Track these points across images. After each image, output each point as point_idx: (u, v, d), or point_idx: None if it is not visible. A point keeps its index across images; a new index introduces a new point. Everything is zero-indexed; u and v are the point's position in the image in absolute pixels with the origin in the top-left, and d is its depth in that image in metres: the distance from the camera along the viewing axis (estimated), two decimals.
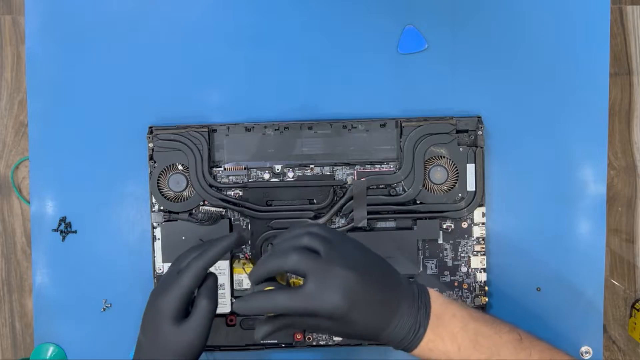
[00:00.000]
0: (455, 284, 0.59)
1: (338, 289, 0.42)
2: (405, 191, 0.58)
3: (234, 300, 0.58)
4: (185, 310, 0.48)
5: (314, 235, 0.45)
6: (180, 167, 0.58)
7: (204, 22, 0.60)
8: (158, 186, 0.58)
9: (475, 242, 0.59)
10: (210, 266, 0.48)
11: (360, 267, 0.44)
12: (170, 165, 0.58)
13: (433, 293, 0.46)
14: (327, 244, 0.44)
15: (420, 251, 0.59)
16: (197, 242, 0.58)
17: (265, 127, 0.58)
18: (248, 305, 0.44)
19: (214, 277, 0.50)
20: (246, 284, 0.58)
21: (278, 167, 0.59)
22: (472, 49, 0.59)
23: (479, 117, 0.58)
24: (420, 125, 0.58)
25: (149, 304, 0.49)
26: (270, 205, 0.58)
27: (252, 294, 0.44)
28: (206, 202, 0.58)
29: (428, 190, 0.58)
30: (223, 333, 0.59)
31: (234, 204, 0.58)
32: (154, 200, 0.58)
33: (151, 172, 0.58)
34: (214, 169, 0.59)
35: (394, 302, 0.44)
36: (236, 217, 0.59)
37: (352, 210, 0.58)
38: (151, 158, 0.58)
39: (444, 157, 0.58)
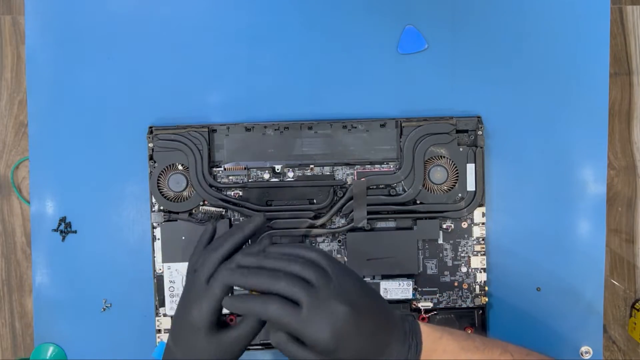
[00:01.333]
0: (455, 284, 0.59)
1: (328, 325, 0.41)
2: (405, 191, 0.58)
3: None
4: (219, 320, 0.47)
5: (309, 264, 0.44)
6: (180, 167, 0.58)
7: (204, 22, 0.60)
8: (158, 186, 0.58)
9: (475, 242, 0.59)
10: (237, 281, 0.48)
11: (355, 304, 0.43)
12: (170, 165, 0.58)
13: (425, 329, 0.45)
14: (323, 275, 0.43)
15: (420, 251, 0.59)
16: (196, 242, 0.58)
17: (265, 127, 0.58)
18: (239, 305, 0.43)
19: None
20: None
21: (278, 167, 0.59)
22: (472, 49, 0.59)
23: (479, 117, 0.58)
24: (420, 125, 0.58)
25: (180, 314, 0.47)
26: (270, 205, 0.58)
27: (245, 295, 0.44)
28: (206, 202, 0.58)
29: (428, 190, 0.58)
30: None
31: (234, 204, 0.58)
32: (154, 200, 0.58)
33: (151, 172, 0.58)
34: (214, 169, 0.59)
35: (384, 342, 0.43)
36: (236, 217, 0.59)
37: (352, 210, 0.58)
38: (151, 158, 0.58)
39: (444, 157, 0.58)
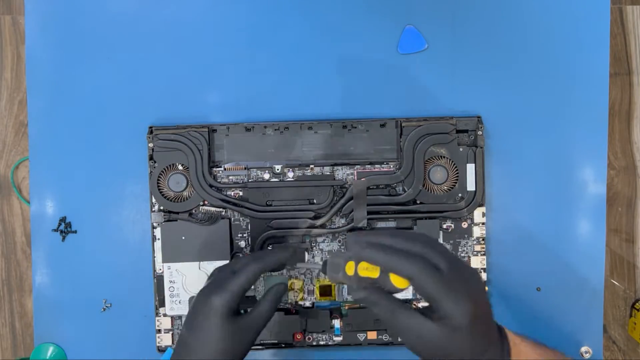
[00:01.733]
0: None
1: (470, 296, 0.40)
2: (405, 191, 0.58)
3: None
4: (237, 310, 0.48)
5: (433, 247, 0.42)
6: (180, 167, 0.58)
7: (204, 22, 0.60)
8: (158, 186, 0.58)
9: (475, 242, 0.59)
10: (265, 272, 0.49)
11: (482, 292, 0.42)
12: (170, 165, 0.58)
13: (509, 334, 0.44)
14: (454, 258, 0.42)
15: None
16: (198, 242, 0.58)
17: (265, 127, 0.58)
18: (380, 254, 0.41)
19: (284, 286, 0.50)
20: None
21: (278, 167, 0.59)
22: (472, 49, 0.59)
23: (479, 117, 0.58)
24: (420, 125, 0.58)
25: (199, 301, 0.48)
26: (270, 205, 0.58)
27: (390, 248, 0.41)
28: (206, 202, 0.58)
29: (428, 190, 0.58)
30: None
31: (234, 204, 0.58)
32: (154, 200, 0.58)
33: (151, 172, 0.58)
34: (214, 169, 0.59)
35: (490, 336, 0.42)
36: (236, 217, 0.59)
37: (352, 210, 0.58)
38: (151, 158, 0.58)
39: (444, 157, 0.58)
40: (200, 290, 0.49)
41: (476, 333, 0.40)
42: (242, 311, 0.50)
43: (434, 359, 0.41)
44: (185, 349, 0.47)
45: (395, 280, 0.41)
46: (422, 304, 0.59)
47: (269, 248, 0.58)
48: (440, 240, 0.59)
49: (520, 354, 0.43)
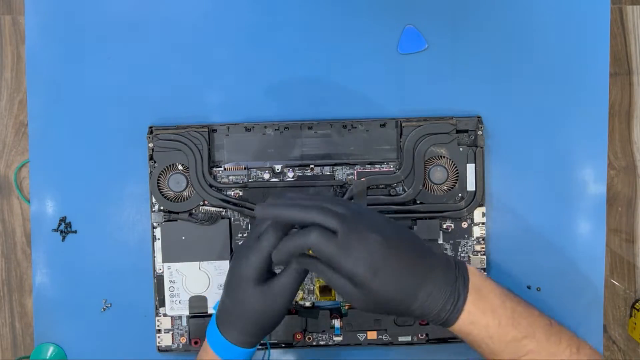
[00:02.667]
0: None
1: (363, 252, 0.42)
2: (405, 191, 0.58)
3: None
4: (268, 272, 0.48)
5: (342, 201, 0.45)
6: (180, 167, 0.58)
7: (204, 22, 0.60)
8: (158, 186, 0.58)
9: (475, 242, 0.59)
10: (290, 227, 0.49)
11: (387, 233, 0.43)
12: (170, 165, 0.58)
13: (471, 267, 0.45)
14: (355, 210, 0.44)
15: None
16: (198, 242, 0.58)
17: (265, 127, 0.58)
18: (283, 241, 0.44)
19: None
20: None
21: (278, 167, 0.59)
22: (472, 49, 0.59)
23: (479, 117, 0.58)
24: (420, 125, 0.58)
25: (232, 267, 0.49)
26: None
27: (289, 237, 0.44)
28: (206, 202, 0.58)
29: (428, 190, 0.58)
30: None
31: (234, 204, 0.58)
32: (154, 200, 0.58)
33: (151, 172, 0.58)
34: (214, 169, 0.59)
35: (423, 270, 0.43)
36: (236, 217, 0.59)
37: None
38: (151, 158, 0.58)
39: (444, 157, 0.58)
40: (234, 255, 0.50)
41: (390, 280, 0.42)
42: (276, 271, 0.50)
43: (374, 310, 0.44)
44: (225, 310, 0.49)
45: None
46: None
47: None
48: (440, 241, 0.59)
49: (483, 290, 0.44)
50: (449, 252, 0.59)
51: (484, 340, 0.43)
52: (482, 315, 0.43)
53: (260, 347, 0.59)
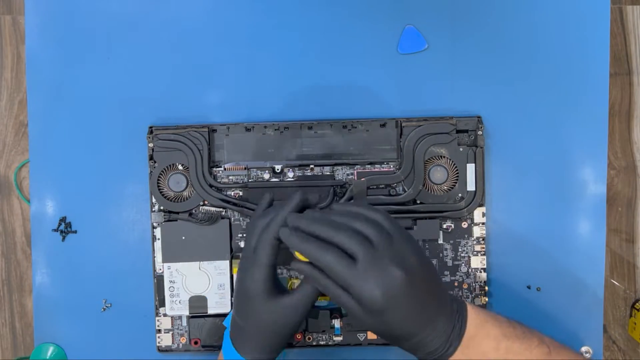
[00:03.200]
0: (455, 284, 0.59)
1: (380, 285, 0.41)
2: (405, 191, 0.58)
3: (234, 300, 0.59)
4: (274, 284, 0.47)
5: (372, 223, 0.44)
6: (180, 167, 0.58)
7: (204, 22, 0.60)
8: (158, 186, 0.58)
9: (475, 242, 0.59)
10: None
11: (411, 271, 0.43)
12: (170, 165, 0.58)
13: (471, 311, 0.45)
14: (384, 236, 0.43)
15: None
16: (198, 242, 0.58)
17: (265, 127, 0.58)
18: (298, 242, 0.44)
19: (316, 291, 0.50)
20: None
21: (278, 167, 0.59)
22: (472, 49, 0.59)
23: (479, 117, 0.58)
24: (420, 125, 0.58)
25: (237, 286, 0.49)
26: (271, 205, 0.58)
27: (307, 236, 0.44)
28: (206, 202, 0.58)
29: (428, 190, 0.58)
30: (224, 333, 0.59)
31: (234, 204, 0.58)
32: (154, 200, 0.58)
33: (151, 172, 0.58)
34: (214, 169, 0.59)
35: (430, 315, 0.43)
36: (236, 217, 0.59)
37: None
38: (151, 158, 0.58)
39: (444, 157, 0.58)
40: (237, 271, 0.49)
41: (398, 316, 0.42)
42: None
43: (371, 330, 0.46)
44: (238, 330, 0.49)
45: (300, 256, 0.45)
46: None
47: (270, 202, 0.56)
48: (440, 240, 0.59)
49: (479, 334, 0.44)
50: (449, 253, 0.59)
51: None
52: None
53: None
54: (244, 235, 0.59)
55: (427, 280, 0.44)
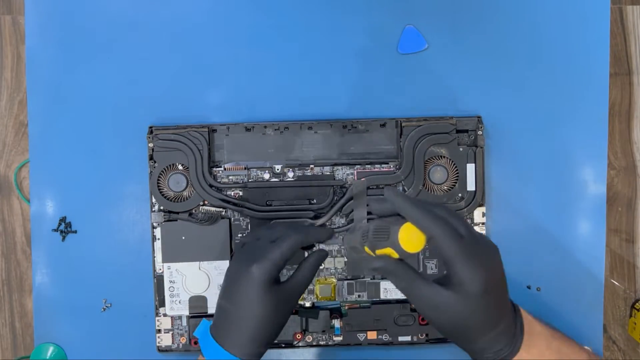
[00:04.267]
0: None
1: (485, 264, 0.41)
2: (405, 191, 0.58)
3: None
4: (277, 279, 0.47)
5: (455, 216, 0.43)
6: (180, 167, 0.58)
7: (204, 22, 0.60)
8: (158, 186, 0.58)
9: None
10: (304, 245, 0.49)
11: (499, 265, 0.43)
12: (170, 165, 0.58)
13: (522, 311, 0.45)
14: (471, 230, 0.43)
15: (421, 251, 0.59)
16: (198, 242, 0.58)
17: (265, 127, 0.58)
18: (408, 205, 0.41)
19: (325, 253, 0.51)
20: None
21: (278, 167, 0.59)
22: (472, 49, 0.59)
23: (479, 117, 0.58)
24: (420, 125, 0.58)
25: (238, 270, 0.47)
26: (270, 205, 0.58)
27: (420, 201, 0.42)
28: (206, 202, 0.58)
29: (428, 190, 0.58)
30: None
31: (234, 204, 0.58)
32: (154, 200, 0.58)
33: (151, 172, 0.58)
34: (214, 169, 0.59)
35: (507, 308, 0.44)
36: (236, 217, 0.59)
37: (352, 210, 0.58)
38: (151, 158, 0.58)
39: (444, 157, 0.58)
40: (236, 259, 0.49)
41: (489, 303, 0.41)
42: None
43: (448, 328, 0.43)
44: (226, 320, 0.47)
45: (406, 244, 0.41)
46: None
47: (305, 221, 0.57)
48: None
49: (533, 333, 0.44)
50: None
51: None
52: (530, 358, 0.43)
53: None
54: (244, 235, 0.59)
55: (503, 274, 0.44)
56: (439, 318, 0.42)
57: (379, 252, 0.43)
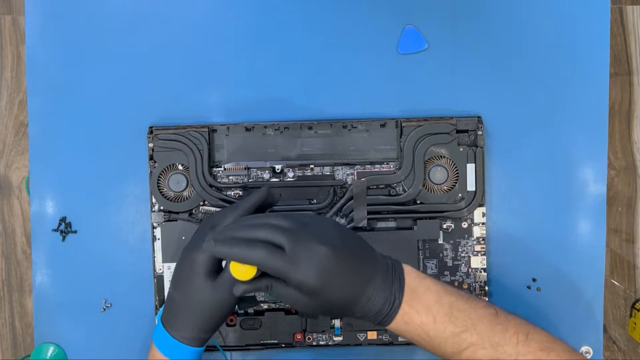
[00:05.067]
0: (455, 284, 0.59)
1: (312, 264, 0.43)
2: (405, 191, 0.58)
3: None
4: (219, 266, 0.48)
5: (286, 216, 0.46)
6: (180, 167, 0.58)
7: (204, 22, 0.60)
8: (158, 186, 0.58)
9: (475, 242, 0.59)
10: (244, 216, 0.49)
11: (334, 242, 0.44)
12: (170, 165, 0.58)
13: (407, 267, 0.47)
14: (301, 223, 0.45)
15: (421, 251, 0.59)
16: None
17: (265, 127, 0.58)
18: (225, 249, 0.44)
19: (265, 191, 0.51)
20: None
21: (278, 167, 0.59)
22: (472, 49, 0.59)
23: (479, 117, 0.58)
24: (420, 125, 0.58)
25: (182, 260, 0.49)
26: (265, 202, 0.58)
27: (232, 239, 0.45)
28: (206, 202, 0.58)
29: (428, 190, 0.58)
30: (223, 333, 0.59)
31: None
32: (154, 200, 0.58)
33: (151, 172, 0.58)
34: (214, 169, 0.59)
35: (367, 275, 0.45)
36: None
37: (352, 210, 0.58)
38: (151, 158, 0.58)
39: (444, 157, 0.58)
40: (184, 248, 0.50)
41: (338, 283, 0.44)
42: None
43: (321, 313, 0.47)
44: (173, 307, 0.49)
45: (239, 275, 0.45)
46: None
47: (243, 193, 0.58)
48: (441, 241, 0.59)
49: (419, 288, 0.45)
50: (449, 253, 0.59)
51: (421, 336, 0.45)
52: (416, 314, 0.45)
53: (259, 346, 0.59)
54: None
55: (353, 247, 0.46)
56: (306, 309, 0.45)
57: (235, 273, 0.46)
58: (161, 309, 0.51)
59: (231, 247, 0.44)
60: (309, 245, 0.44)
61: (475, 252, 0.59)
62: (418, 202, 0.58)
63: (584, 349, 0.59)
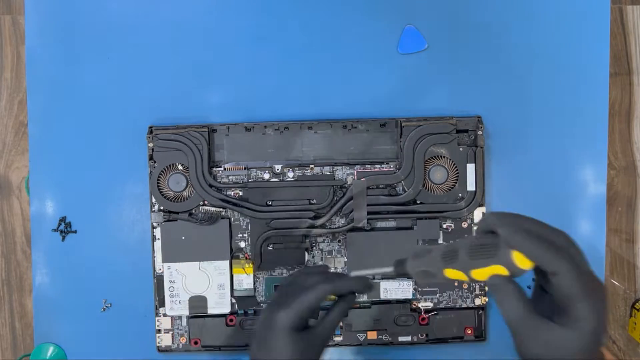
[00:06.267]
0: (455, 284, 0.59)
1: (602, 304, 0.38)
2: (405, 191, 0.58)
3: (233, 300, 0.58)
4: (304, 325, 0.47)
5: (581, 253, 0.42)
6: (180, 167, 0.58)
7: (204, 22, 0.60)
8: (158, 186, 0.58)
9: None
10: (334, 293, 0.48)
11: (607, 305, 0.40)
12: (170, 165, 0.58)
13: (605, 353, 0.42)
14: (589, 268, 0.41)
15: None
16: (198, 242, 0.58)
17: (265, 127, 0.58)
18: (532, 243, 0.40)
19: (353, 299, 0.49)
20: (246, 283, 0.58)
21: (278, 167, 0.59)
22: (472, 49, 0.59)
23: (479, 117, 0.58)
24: (420, 125, 0.58)
25: (267, 316, 0.47)
26: (270, 205, 0.58)
27: (538, 237, 0.40)
28: (206, 202, 0.58)
29: (428, 190, 0.58)
30: (223, 333, 0.59)
31: (234, 204, 0.58)
32: (154, 200, 0.58)
33: (151, 172, 0.58)
34: (214, 169, 0.59)
35: (600, 352, 0.40)
36: (236, 217, 0.59)
37: (352, 210, 0.58)
38: (151, 158, 0.58)
39: (444, 157, 0.58)
40: (268, 304, 0.49)
41: (599, 342, 0.39)
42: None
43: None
44: None
45: (520, 260, 0.39)
46: (422, 304, 0.59)
47: (339, 271, 0.58)
48: (441, 240, 0.59)
49: None
50: None
51: None
52: None
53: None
54: (244, 235, 0.59)
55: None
56: (546, 354, 0.39)
57: (475, 272, 0.40)
58: None
59: (534, 244, 0.40)
60: (600, 286, 0.39)
61: None
62: (418, 202, 0.58)
63: None
